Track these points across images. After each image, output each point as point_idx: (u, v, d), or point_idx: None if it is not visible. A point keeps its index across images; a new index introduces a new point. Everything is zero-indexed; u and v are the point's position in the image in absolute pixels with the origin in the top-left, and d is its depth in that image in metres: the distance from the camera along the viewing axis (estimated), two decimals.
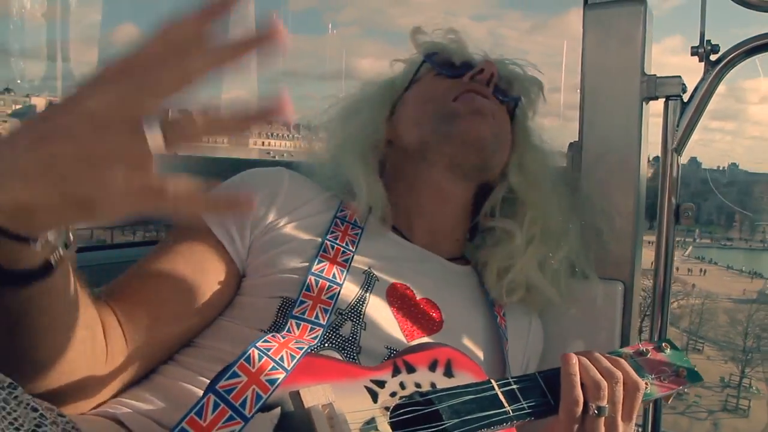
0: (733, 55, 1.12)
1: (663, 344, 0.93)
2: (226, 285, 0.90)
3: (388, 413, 0.68)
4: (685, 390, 0.89)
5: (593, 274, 1.13)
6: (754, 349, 35.71)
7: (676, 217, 1.16)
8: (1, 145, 0.47)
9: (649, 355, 0.89)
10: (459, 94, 1.03)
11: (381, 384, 0.72)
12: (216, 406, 0.59)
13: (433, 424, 0.67)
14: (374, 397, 0.70)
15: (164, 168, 0.47)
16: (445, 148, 1.01)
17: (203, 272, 0.88)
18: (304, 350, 0.70)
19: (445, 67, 1.09)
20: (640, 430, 1.24)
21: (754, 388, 33.53)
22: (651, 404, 1.21)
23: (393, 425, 0.66)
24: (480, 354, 0.97)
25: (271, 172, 1.00)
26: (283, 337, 0.72)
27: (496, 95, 1.07)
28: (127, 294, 0.81)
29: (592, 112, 1.21)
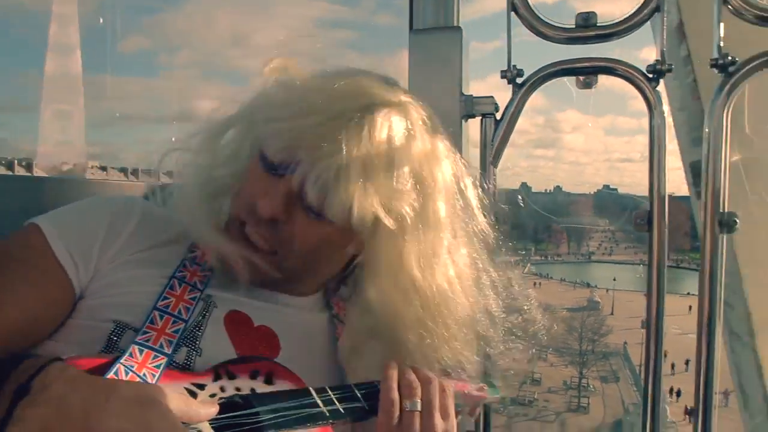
0: (534, 78, 1.26)
1: None
2: (60, 309, 0.88)
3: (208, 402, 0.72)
4: (487, 400, 1.02)
5: None
6: (588, 351, 39.48)
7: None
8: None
9: (454, 375, 0.99)
10: (237, 222, 0.93)
11: (201, 386, 0.76)
12: None
13: (251, 420, 0.71)
14: (193, 397, 0.73)
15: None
16: None
17: (40, 297, 0.85)
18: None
19: (265, 162, 0.90)
20: None
21: (591, 386, 37.04)
22: (482, 410, 1.30)
23: (210, 421, 0.69)
24: (317, 376, 0.96)
25: (122, 201, 0.98)
26: (128, 369, 0.75)
27: (306, 210, 0.89)
28: None
29: None
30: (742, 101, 1.19)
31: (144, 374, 0.78)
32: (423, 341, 0.94)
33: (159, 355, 0.82)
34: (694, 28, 1.44)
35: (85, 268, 0.89)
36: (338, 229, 0.89)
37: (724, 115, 1.18)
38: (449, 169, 0.96)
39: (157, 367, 0.81)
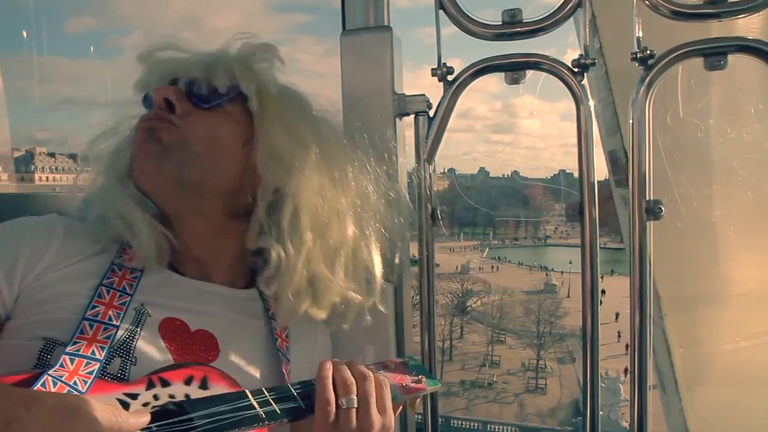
0: (465, 76, 1.28)
1: (406, 359, 1.06)
2: None
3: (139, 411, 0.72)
4: (426, 392, 1.02)
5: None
6: (545, 333, 40.42)
7: (433, 219, 1.30)
8: None
9: (393, 369, 1.01)
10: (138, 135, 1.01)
11: (133, 396, 0.76)
12: None
13: (185, 426, 0.71)
14: (125, 407, 0.73)
15: None
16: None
17: None
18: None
19: (145, 101, 1.05)
20: (420, 417, 1.35)
21: (548, 368, 38.00)
22: (429, 396, 1.33)
23: (142, 431, 0.69)
24: (258, 376, 1.00)
25: (43, 220, 0.99)
26: (56, 379, 0.75)
27: (197, 103, 1.00)
28: None
29: (352, 128, 1.29)
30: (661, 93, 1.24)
31: (75, 382, 0.78)
32: (322, 192, 1.03)
33: (91, 361, 0.82)
34: (605, 22, 1.49)
35: (8, 290, 0.89)
36: (228, 115, 1.01)
37: (646, 106, 1.23)
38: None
39: (90, 373, 0.81)
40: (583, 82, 1.26)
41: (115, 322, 0.89)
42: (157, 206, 1.01)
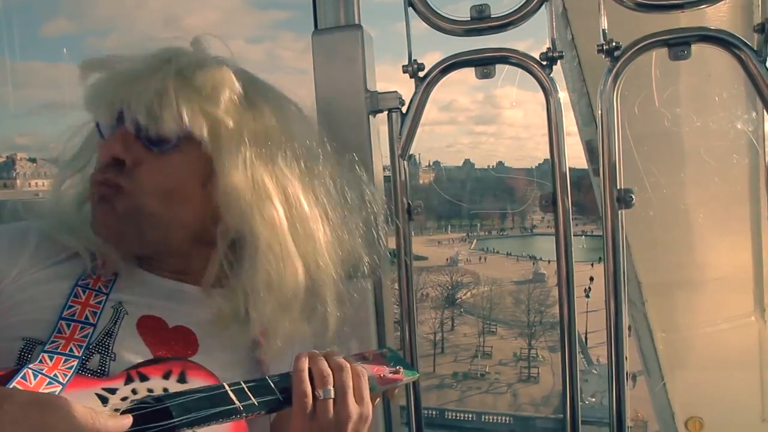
0: (435, 72, 1.29)
1: (384, 350, 1.08)
2: None
3: (118, 414, 0.72)
4: (404, 382, 1.02)
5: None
6: (536, 322, 40.69)
7: (409, 214, 1.31)
8: None
9: (371, 360, 1.01)
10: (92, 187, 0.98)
11: (112, 391, 0.77)
12: None
13: (163, 421, 0.72)
14: (104, 401, 0.74)
15: None
16: None
17: None
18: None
19: (102, 131, 0.98)
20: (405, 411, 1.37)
21: (540, 356, 38.23)
22: (411, 386, 1.35)
23: None
24: (238, 371, 1.00)
25: (16, 227, 1.01)
26: (36, 372, 0.76)
27: (147, 145, 0.94)
28: None
29: (326, 126, 1.30)
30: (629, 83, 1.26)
31: (55, 375, 0.79)
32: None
33: (70, 358, 0.84)
34: (575, 14, 1.51)
35: None
36: (183, 156, 0.94)
37: (614, 97, 1.25)
38: (272, 99, 1.03)
39: (69, 368, 0.82)
40: (551, 75, 1.28)
41: (92, 321, 0.90)
42: None
